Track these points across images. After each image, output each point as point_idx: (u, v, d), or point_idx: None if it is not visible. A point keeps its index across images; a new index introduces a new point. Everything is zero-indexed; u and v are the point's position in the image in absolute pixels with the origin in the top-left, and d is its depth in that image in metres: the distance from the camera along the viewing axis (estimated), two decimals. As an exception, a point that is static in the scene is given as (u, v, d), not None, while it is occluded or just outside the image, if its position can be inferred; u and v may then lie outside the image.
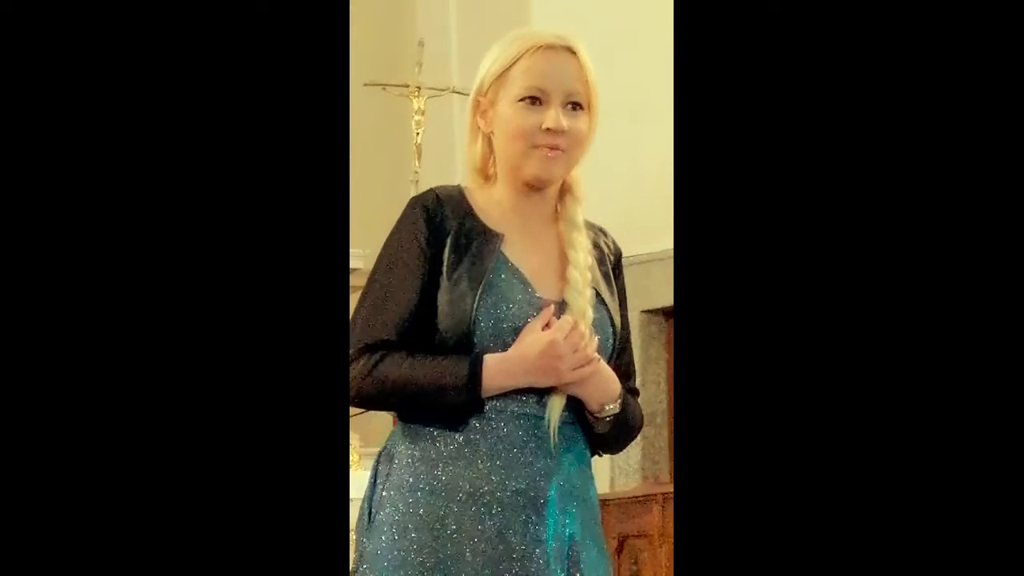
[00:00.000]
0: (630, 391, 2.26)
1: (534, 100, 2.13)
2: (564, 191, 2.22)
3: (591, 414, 2.16)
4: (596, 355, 2.11)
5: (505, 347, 2.11)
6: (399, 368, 2.08)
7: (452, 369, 2.08)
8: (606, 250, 2.26)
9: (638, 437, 2.33)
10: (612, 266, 2.26)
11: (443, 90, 5.01)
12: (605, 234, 2.29)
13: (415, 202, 2.19)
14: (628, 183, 5.33)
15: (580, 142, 2.16)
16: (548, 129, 2.12)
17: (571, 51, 2.16)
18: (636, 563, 5.48)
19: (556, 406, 2.12)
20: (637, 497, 5.62)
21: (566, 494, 2.16)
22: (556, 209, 2.22)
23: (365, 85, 4.92)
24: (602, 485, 4.68)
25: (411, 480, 2.12)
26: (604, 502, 4.51)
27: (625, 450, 2.43)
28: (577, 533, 2.17)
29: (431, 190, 2.22)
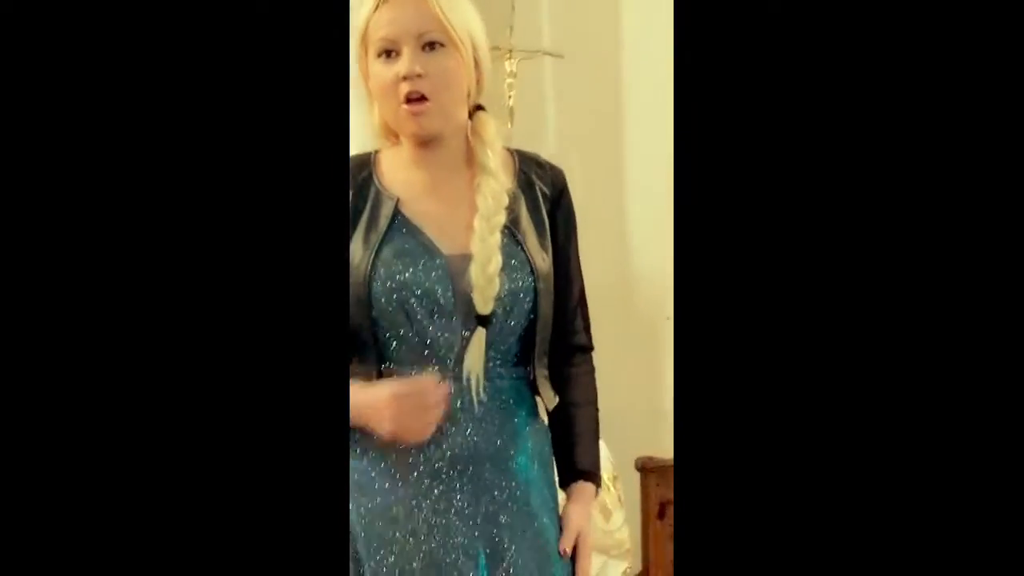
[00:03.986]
0: (578, 348, 2.22)
1: (389, 53, 2.09)
2: (472, 134, 2.18)
3: None
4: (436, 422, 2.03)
5: (407, 314, 2.06)
6: None
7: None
8: (540, 184, 2.20)
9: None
10: (550, 201, 2.20)
11: (535, 52, 5.01)
12: (541, 166, 2.23)
13: None
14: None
15: (448, 81, 2.09)
16: (404, 77, 2.06)
17: None
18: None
19: (476, 363, 2.08)
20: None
21: (509, 460, 2.11)
22: (468, 153, 2.17)
23: (458, 48, 4.91)
24: (642, 449, 4.69)
25: None
26: (644, 468, 4.49)
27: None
28: (526, 502, 2.11)
29: None
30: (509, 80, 4.93)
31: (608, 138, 5.02)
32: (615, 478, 4.31)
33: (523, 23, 4.98)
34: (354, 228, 2.10)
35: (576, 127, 5.14)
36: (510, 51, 4.92)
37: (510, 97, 4.93)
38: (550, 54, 5.03)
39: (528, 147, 4.83)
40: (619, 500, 4.29)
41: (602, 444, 4.21)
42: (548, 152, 4.99)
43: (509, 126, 4.89)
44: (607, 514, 4.27)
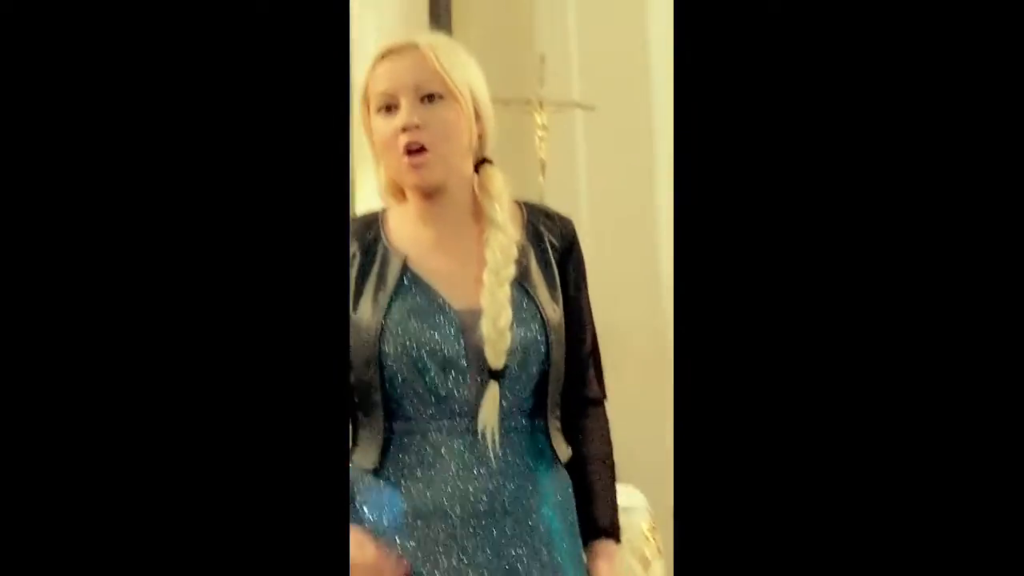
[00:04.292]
0: (590, 400, 2.20)
1: (389, 107, 2.10)
2: (479, 188, 2.16)
3: None
4: None
5: (420, 372, 2.05)
6: None
7: None
8: (549, 236, 2.18)
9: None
10: (559, 253, 2.18)
11: (565, 104, 5.03)
12: (550, 218, 2.21)
13: None
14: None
15: (447, 132, 2.09)
16: (403, 129, 2.07)
17: (415, 47, 2.11)
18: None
19: (490, 417, 2.06)
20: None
21: (530, 510, 2.08)
22: (475, 207, 2.16)
23: (486, 102, 4.93)
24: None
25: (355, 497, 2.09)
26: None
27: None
28: (550, 551, 2.09)
29: None
30: (540, 133, 4.96)
31: (640, 189, 5.03)
32: (654, 528, 4.30)
33: (553, 75, 5.02)
34: (363, 288, 2.10)
35: (608, 179, 5.16)
36: (540, 103, 4.95)
37: (541, 150, 4.95)
38: (581, 106, 5.05)
39: (560, 198, 4.84)
40: (658, 551, 4.28)
41: (640, 494, 4.22)
42: (580, 204, 5.02)
43: (541, 178, 4.92)
44: (646, 564, 4.26)
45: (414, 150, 2.08)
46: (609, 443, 2.20)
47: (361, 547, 2.02)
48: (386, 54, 2.12)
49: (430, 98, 2.09)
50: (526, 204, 2.21)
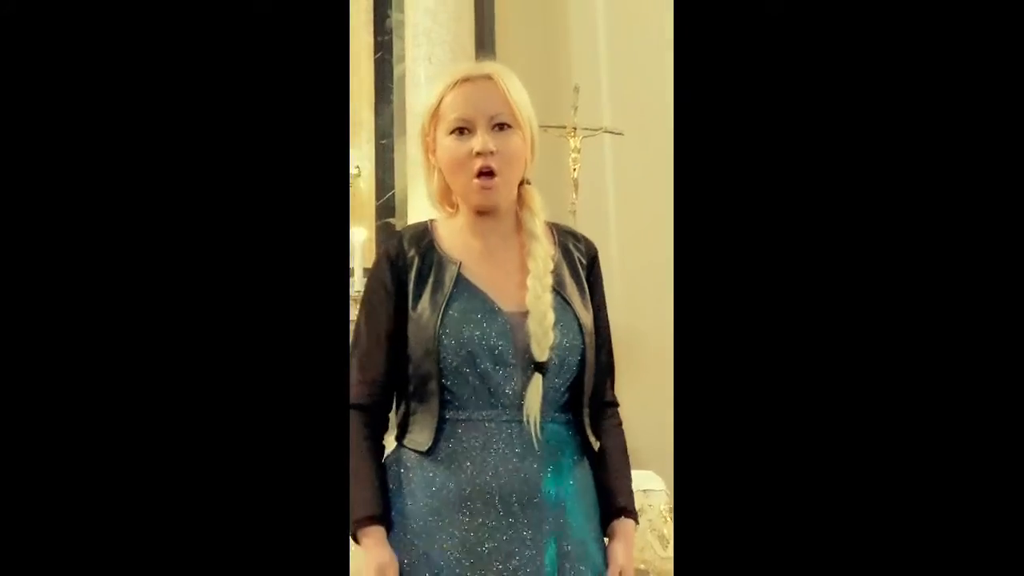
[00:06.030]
0: (608, 403, 2.33)
1: (462, 131, 2.21)
2: (521, 206, 2.29)
3: None
4: None
5: (474, 365, 2.15)
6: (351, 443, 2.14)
7: (358, 495, 2.16)
8: (576, 254, 2.30)
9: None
10: (586, 268, 2.30)
11: (596, 130, 5.34)
12: (576, 238, 2.34)
13: (381, 250, 2.27)
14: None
15: (513, 159, 2.21)
16: (478, 153, 2.19)
17: (489, 78, 2.22)
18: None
19: (533, 406, 2.16)
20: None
21: (561, 493, 2.19)
22: (517, 222, 2.28)
23: (528, 128, 5.11)
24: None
25: (398, 482, 2.20)
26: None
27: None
28: (577, 530, 2.20)
29: (398, 232, 2.29)
30: (574, 155, 5.24)
31: (661, 206, 5.20)
32: (671, 509, 4.53)
33: (586, 104, 5.30)
34: (423, 289, 2.20)
35: (633, 196, 5.43)
36: (574, 129, 5.24)
37: (575, 170, 5.25)
38: (611, 132, 5.32)
39: (591, 214, 5.01)
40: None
41: (659, 479, 4.46)
42: (609, 219, 5.18)
43: (574, 196, 5.21)
44: (664, 543, 4.50)
45: (485, 172, 2.19)
46: (624, 439, 2.32)
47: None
48: (463, 81, 2.22)
49: (501, 126, 2.20)
50: (555, 225, 2.33)
